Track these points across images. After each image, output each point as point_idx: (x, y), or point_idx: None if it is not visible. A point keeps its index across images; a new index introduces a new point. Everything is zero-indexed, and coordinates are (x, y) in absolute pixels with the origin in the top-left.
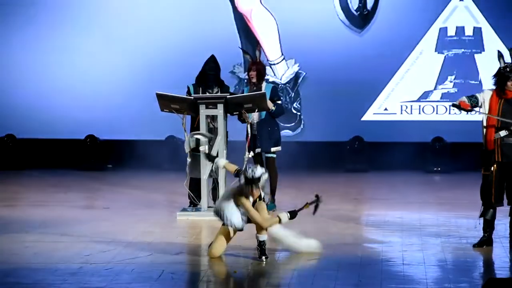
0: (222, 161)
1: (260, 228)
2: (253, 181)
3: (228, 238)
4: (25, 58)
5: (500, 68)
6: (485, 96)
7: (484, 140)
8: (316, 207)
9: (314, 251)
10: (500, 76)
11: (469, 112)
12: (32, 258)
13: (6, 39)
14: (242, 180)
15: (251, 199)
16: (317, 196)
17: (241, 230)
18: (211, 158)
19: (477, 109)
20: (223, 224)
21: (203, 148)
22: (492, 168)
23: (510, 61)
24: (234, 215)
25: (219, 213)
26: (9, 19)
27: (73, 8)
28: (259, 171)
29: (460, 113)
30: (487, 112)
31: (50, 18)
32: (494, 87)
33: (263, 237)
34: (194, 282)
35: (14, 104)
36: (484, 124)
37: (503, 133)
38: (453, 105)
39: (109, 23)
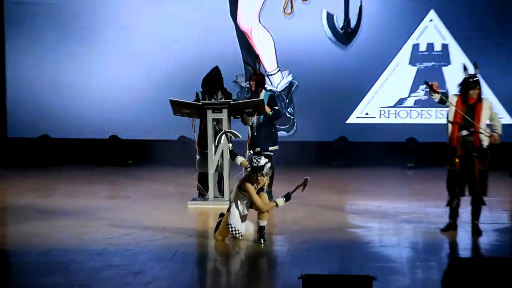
0: (240, 158)
1: (261, 215)
2: (258, 169)
3: None
4: (59, 70)
5: (464, 78)
6: (452, 100)
7: (449, 137)
8: (304, 186)
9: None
10: (464, 86)
11: (433, 94)
12: (64, 240)
13: (42, 53)
14: (249, 169)
15: (255, 186)
16: (306, 179)
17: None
18: (233, 155)
19: (448, 103)
20: (234, 235)
21: (230, 145)
22: (454, 162)
23: (473, 73)
24: (238, 223)
25: (229, 226)
26: (42, 36)
27: (100, 28)
28: (263, 160)
29: (430, 116)
30: (452, 115)
31: (80, 36)
32: (459, 93)
33: (263, 222)
34: (202, 261)
35: (49, 108)
36: (449, 124)
37: (464, 132)
38: (426, 82)
39: (130, 40)
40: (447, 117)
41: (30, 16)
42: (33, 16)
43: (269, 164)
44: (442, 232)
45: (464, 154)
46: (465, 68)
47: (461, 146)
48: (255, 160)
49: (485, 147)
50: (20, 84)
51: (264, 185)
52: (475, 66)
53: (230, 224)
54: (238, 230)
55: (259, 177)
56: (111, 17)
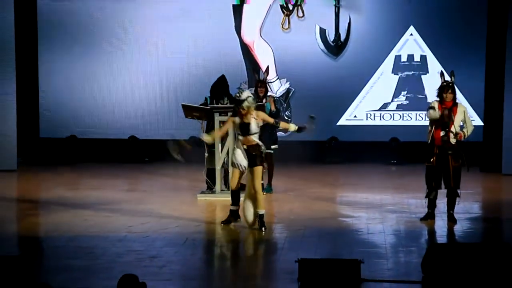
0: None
1: (258, 204)
2: (238, 102)
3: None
4: (85, 78)
5: (441, 83)
6: (435, 105)
7: (432, 137)
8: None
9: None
10: (440, 89)
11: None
12: (89, 228)
13: (70, 64)
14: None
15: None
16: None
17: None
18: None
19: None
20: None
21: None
22: (431, 160)
23: (448, 79)
24: (239, 158)
25: (233, 164)
26: (71, 48)
27: (121, 42)
28: (245, 94)
29: (410, 119)
30: (438, 116)
31: (103, 49)
32: (438, 99)
33: (262, 211)
34: (210, 247)
35: (76, 112)
36: (432, 126)
37: (442, 133)
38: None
39: (147, 53)
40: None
41: (60, 30)
42: (62, 30)
43: (251, 98)
44: (422, 221)
45: (440, 152)
46: (442, 74)
47: (438, 146)
48: (237, 94)
49: (453, 143)
50: (51, 91)
51: (253, 116)
52: (452, 74)
53: (236, 163)
54: (243, 166)
55: (240, 110)
56: (131, 32)
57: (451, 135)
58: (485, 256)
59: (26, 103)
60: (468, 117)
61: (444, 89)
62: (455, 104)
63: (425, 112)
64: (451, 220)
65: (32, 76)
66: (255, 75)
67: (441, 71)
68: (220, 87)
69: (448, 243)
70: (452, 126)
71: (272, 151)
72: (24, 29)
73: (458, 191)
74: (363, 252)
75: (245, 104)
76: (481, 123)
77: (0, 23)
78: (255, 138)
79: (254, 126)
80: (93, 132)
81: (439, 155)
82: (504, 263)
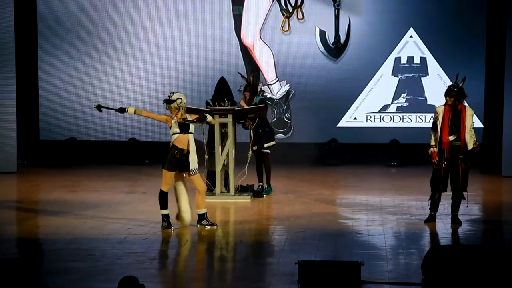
0: (131, 109)
1: (198, 203)
2: (168, 101)
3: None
4: (85, 79)
5: (449, 85)
6: (439, 111)
7: (440, 141)
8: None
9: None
10: (446, 91)
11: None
12: (89, 230)
13: (70, 65)
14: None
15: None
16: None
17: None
18: (121, 110)
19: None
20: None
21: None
22: (443, 165)
23: (457, 84)
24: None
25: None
26: (71, 49)
27: (121, 43)
28: (175, 96)
29: (410, 121)
30: (440, 123)
31: (103, 50)
32: (444, 103)
33: (201, 211)
34: (210, 249)
35: (76, 114)
36: (439, 130)
37: (452, 137)
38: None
39: (147, 55)
40: (434, 125)
41: (60, 32)
42: (62, 32)
43: (179, 101)
44: (426, 223)
45: (451, 157)
46: (457, 76)
47: (449, 150)
48: (168, 95)
49: (468, 149)
50: (51, 93)
51: (183, 117)
52: (463, 80)
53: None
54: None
55: (170, 109)
56: (131, 34)
57: (468, 140)
58: (485, 258)
59: (26, 105)
60: (473, 121)
61: (448, 92)
62: (463, 107)
63: (430, 116)
64: (456, 222)
65: (32, 78)
66: (244, 79)
67: (457, 73)
68: (220, 89)
69: (448, 245)
70: (466, 129)
71: (268, 151)
72: (23, 31)
73: (464, 193)
74: (363, 254)
75: (175, 105)
76: (481, 125)
77: None
78: (191, 139)
79: (191, 125)
80: (93, 134)
81: (450, 160)
82: (504, 265)
